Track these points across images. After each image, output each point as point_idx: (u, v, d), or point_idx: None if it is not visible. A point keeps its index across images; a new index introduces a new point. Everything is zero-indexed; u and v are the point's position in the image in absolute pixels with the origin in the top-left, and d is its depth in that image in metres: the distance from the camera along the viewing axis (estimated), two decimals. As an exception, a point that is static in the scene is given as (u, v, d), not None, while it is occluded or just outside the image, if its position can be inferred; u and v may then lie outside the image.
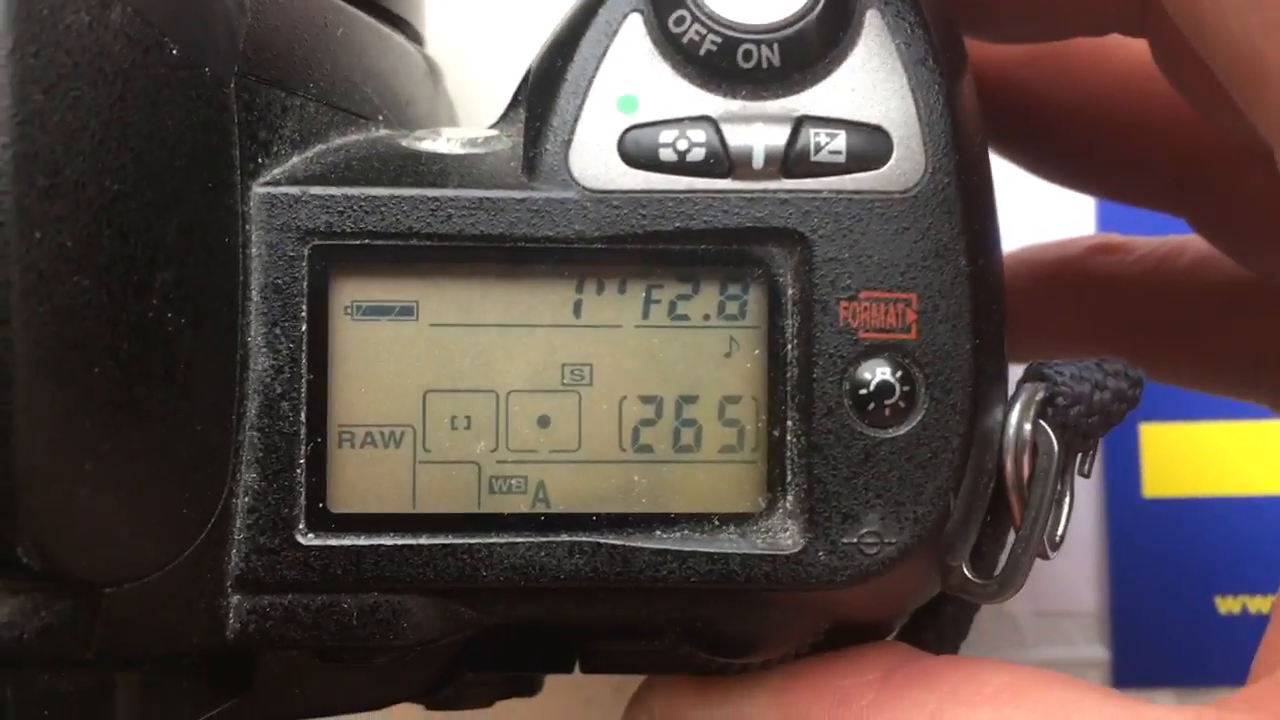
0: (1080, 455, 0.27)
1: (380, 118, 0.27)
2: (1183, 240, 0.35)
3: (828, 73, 0.25)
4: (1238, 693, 0.24)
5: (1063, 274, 0.36)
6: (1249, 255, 0.33)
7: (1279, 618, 0.24)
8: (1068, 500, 0.26)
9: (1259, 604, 0.43)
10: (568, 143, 0.25)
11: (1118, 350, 0.35)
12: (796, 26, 0.24)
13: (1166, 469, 0.43)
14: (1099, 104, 0.33)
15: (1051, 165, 0.35)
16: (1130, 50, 0.31)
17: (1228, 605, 0.43)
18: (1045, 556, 0.26)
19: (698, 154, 0.24)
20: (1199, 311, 0.34)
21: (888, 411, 0.24)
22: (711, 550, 0.25)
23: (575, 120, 0.25)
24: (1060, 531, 0.26)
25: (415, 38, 0.32)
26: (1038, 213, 0.38)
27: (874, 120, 0.25)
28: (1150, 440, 0.43)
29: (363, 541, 0.24)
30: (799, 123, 0.24)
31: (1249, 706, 0.23)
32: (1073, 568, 0.43)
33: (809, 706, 0.25)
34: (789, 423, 0.25)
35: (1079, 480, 0.27)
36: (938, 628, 0.29)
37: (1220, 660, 0.42)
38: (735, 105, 0.25)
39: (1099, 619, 0.43)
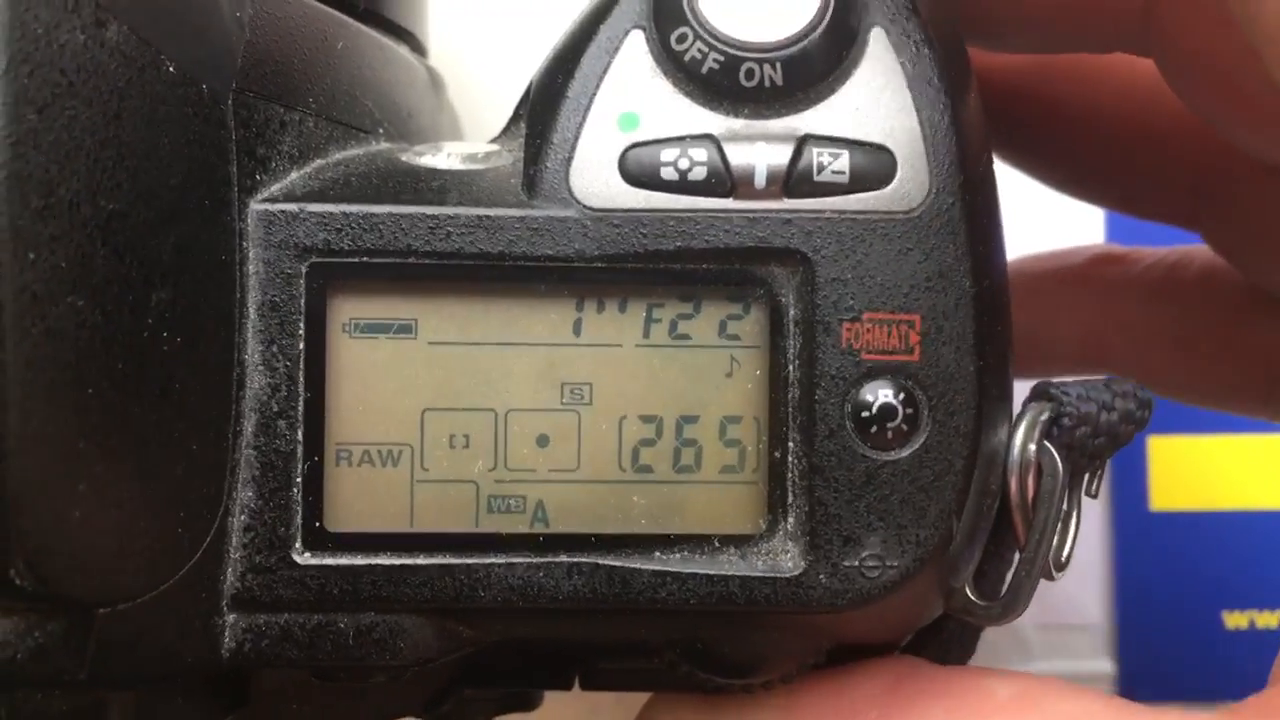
0: (1087, 476, 0.27)
1: (381, 131, 0.27)
2: (1189, 250, 0.34)
3: (831, 91, 0.24)
4: (1251, 698, 0.23)
5: (1063, 286, 0.35)
6: (1263, 270, 0.32)
7: None
8: (1074, 521, 0.26)
9: (1267, 619, 0.42)
10: (568, 160, 0.24)
11: (1121, 364, 0.34)
12: (800, 45, 0.24)
13: (1174, 482, 0.43)
14: (1112, 114, 0.32)
15: (1062, 175, 0.34)
16: (1143, 61, 0.31)
17: (1235, 620, 0.42)
18: (1050, 578, 0.26)
19: (699, 173, 0.24)
20: (1208, 325, 0.34)
21: (890, 434, 0.24)
22: (711, 572, 0.24)
23: (576, 138, 0.24)
24: (1066, 552, 0.26)
25: (418, 49, 0.32)
26: (1045, 223, 0.38)
27: (878, 139, 0.24)
28: (1158, 453, 0.43)
29: (359, 561, 0.24)
30: (802, 142, 0.24)
31: (1261, 713, 0.23)
32: (1079, 581, 0.43)
33: None
34: (790, 444, 0.24)
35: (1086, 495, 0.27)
36: (940, 644, 0.29)
37: (1227, 675, 0.42)
38: (738, 124, 0.24)
39: (1105, 632, 0.43)
